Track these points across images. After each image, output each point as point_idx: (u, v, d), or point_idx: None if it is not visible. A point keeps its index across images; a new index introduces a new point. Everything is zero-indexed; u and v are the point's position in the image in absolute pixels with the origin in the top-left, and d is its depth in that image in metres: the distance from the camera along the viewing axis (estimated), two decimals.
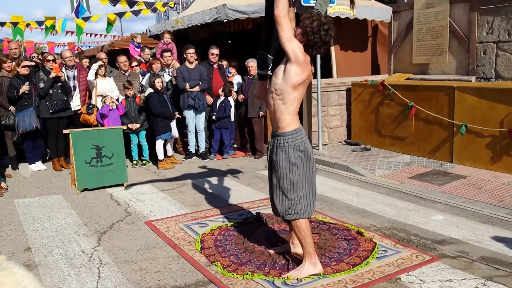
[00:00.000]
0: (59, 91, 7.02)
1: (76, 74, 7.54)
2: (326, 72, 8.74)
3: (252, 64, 7.57)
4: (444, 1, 7.57)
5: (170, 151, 7.59)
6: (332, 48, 8.75)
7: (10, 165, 7.31)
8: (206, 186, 6.13)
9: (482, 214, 4.66)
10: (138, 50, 9.59)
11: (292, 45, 3.13)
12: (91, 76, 7.47)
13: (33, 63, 7.49)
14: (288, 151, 3.26)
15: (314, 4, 7.13)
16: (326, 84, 8.15)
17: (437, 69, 7.91)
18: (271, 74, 3.52)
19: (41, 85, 6.88)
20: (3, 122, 6.99)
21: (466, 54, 7.43)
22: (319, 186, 5.87)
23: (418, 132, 7.13)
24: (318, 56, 7.37)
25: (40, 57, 9.47)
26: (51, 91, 6.95)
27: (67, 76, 7.29)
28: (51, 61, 7.05)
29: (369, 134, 8.04)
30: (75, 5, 10.18)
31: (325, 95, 8.17)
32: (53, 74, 6.89)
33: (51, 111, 6.95)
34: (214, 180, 6.40)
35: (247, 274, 3.40)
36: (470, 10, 7.24)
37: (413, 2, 8.36)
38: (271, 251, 3.81)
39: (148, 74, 7.63)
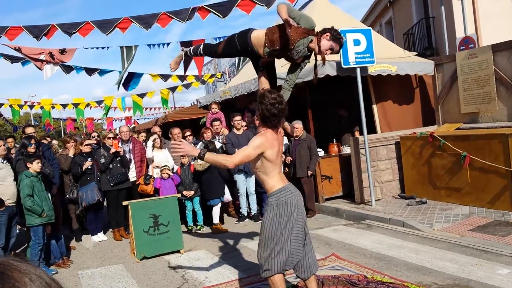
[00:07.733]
0: (118, 165, 7.50)
1: (131, 148, 8.05)
2: (373, 128, 8.78)
3: (298, 126, 7.77)
4: (486, 50, 7.57)
5: (216, 219, 7.56)
6: (374, 106, 8.83)
7: (74, 238, 7.72)
8: None
9: None
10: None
11: (246, 154, 3.45)
12: (149, 153, 7.96)
13: (94, 141, 8.09)
14: (271, 209, 3.54)
15: (354, 65, 7.37)
16: (374, 140, 8.15)
17: (488, 117, 7.75)
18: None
19: (102, 160, 7.39)
20: (67, 196, 7.48)
21: None
22: (375, 243, 5.80)
23: (474, 182, 6.89)
24: (363, 112, 7.47)
25: (96, 133, 10.18)
26: (111, 166, 7.43)
27: (123, 150, 7.79)
28: (111, 139, 7.59)
29: (423, 186, 7.85)
30: (122, 80, 10.77)
31: (374, 150, 8.14)
32: (112, 150, 7.42)
33: (111, 184, 7.39)
34: None
35: None
36: None
37: (454, 54, 8.40)
38: None
39: (200, 142, 8.00)
